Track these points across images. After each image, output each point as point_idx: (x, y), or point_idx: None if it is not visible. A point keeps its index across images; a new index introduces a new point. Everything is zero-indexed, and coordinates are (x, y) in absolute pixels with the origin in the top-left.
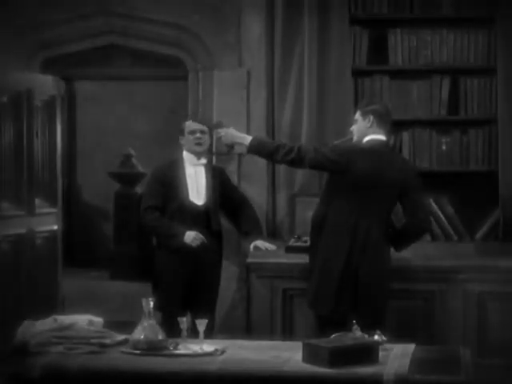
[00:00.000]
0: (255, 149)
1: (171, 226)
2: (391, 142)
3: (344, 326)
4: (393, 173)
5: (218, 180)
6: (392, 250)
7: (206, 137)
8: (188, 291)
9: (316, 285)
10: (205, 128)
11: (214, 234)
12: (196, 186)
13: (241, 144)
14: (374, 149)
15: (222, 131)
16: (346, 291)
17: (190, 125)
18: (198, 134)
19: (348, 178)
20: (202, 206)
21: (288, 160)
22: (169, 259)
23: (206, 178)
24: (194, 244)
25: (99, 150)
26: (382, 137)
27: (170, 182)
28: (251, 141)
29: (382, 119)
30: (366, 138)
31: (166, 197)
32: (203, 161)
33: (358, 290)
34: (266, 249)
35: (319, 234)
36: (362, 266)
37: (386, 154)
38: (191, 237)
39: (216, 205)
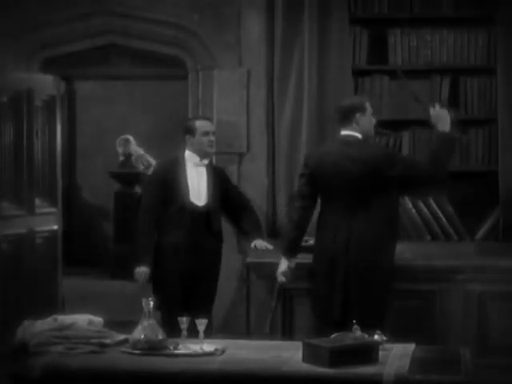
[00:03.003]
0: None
1: (142, 247)
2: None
3: (344, 326)
4: (359, 165)
5: (219, 180)
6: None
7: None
8: (186, 291)
9: (313, 286)
10: (214, 129)
11: (214, 235)
12: (197, 186)
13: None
14: (334, 147)
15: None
16: (335, 292)
17: (203, 125)
18: (212, 137)
19: (319, 182)
20: (203, 206)
21: (292, 225)
22: (167, 259)
23: (208, 178)
24: (136, 279)
25: (99, 150)
26: (345, 132)
27: (170, 182)
28: (284, 257)
29: (341, 115)
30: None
31: (165, 197)
32: (206, 161)
33: (348, 289)
34: (265, 248)
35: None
36: (348, 265)
37: (351, 148)
38: (139, 274)
39: (217, 205)
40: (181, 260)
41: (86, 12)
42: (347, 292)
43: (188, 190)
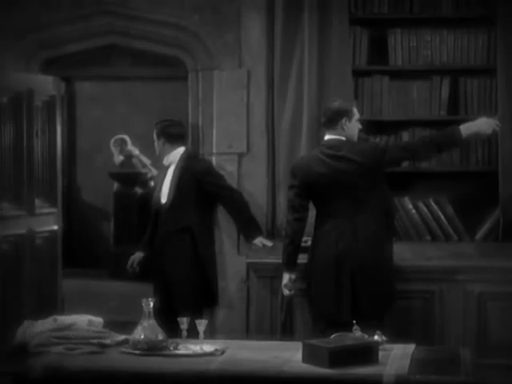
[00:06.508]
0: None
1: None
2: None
3: (344, 327)
4: (352, 162)
5: (192, 179)
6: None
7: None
8: (166, 290)
9: (315, 288)
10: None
11: (176, 234)
12: (164, 184)
13: None
14: (321, 152)
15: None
16: (343, 292)
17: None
18: None
19: (313, 189)
20: (164, 204)
21: (287, 240)
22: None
23: (173, 176)
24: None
25: (99, 149)
26: (330, 136)
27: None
28: (284, 271)
29: (327, 118)
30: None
31: None
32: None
33: (355, 288)
34: (264, 245)
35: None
36: (354, 264)
37: (340, 149)
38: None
39: (181, 203)
40: (157, 259)
41: (86, 12)
42: (355, 292)
43: (156, 189)
